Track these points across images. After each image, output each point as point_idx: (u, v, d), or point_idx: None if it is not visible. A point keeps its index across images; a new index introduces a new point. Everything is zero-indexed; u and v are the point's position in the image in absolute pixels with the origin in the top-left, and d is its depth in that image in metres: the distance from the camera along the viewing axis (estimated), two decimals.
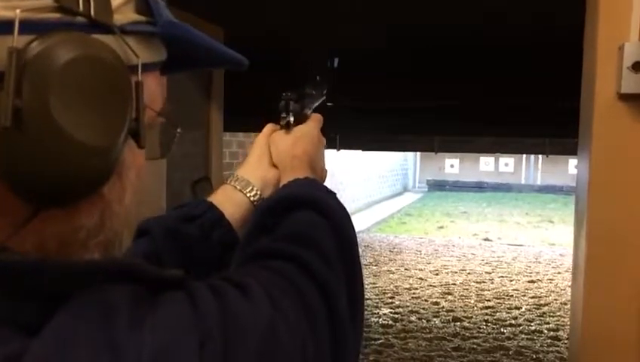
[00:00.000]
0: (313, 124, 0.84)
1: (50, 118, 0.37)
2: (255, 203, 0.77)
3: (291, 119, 0.82)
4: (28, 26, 0.37)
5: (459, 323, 5.08)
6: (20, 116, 0.36)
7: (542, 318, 5.25)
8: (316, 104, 0.91)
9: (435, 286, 6.35)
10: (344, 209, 0.66)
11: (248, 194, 0.76)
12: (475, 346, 4.54)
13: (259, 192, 0.78)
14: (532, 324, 5.08)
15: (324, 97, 0.93)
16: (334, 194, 0.69)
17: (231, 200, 0.75)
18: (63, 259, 0.42)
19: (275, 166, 0.80)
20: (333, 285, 0.54)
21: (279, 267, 0.53)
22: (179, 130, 0.54)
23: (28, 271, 0.38)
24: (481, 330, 4.91)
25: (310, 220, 0.61)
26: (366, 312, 5.17)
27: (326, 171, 0.83)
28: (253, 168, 0.79)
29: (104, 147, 0.40)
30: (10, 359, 0.34)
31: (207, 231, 0.73)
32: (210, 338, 0.40)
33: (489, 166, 18.64)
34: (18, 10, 0.36)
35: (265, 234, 0.62)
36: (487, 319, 5.22)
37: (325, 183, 0.80)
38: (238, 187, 0.76)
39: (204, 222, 0.73)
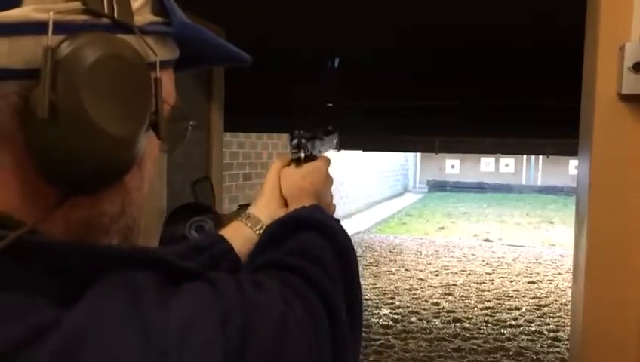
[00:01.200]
0: (322, 162, 0.88)
1: (81, 111, 0.40)
2: None
3: (302, 155, 0.87)
4: (59, 27, 0.40)
5: (459, 324, 5.08)
6: (54, 109, 0.39)
7: (542, 319, 5.25)
8: (326, 150, 0.96)
9: (435, 287, 6.35)
10: (345, 232, 0.71)
11: (257, 232, 0.79)
12: (475, 347, 4.54)
13: None
14: (532, 325, 5.07)
15: (335, 147, 0.99)
16: (338, 220, 0.74)
17: (240, 236, 0.79)
18: (89, 243, 0.45)
19: (285, 202, 0.84)
20: (334, 296, 0.57)
21: (284, 277, 0.56)
22: (192, 123, 0.58)
23: (56, 252, 0.41)
24: (482, 331, 4.91)
25: (314, 240, 0.66)
26: (366, 313, 5.17)
27: (334, 206, 0.87)
28: (263, 207, 0.83)
29: (129, 137, 0.43)
30: (48, 325, 0.37)
31: (216, 262, 0.76)
32: (230, 317, 0.43)
33: (489, 166, 18.63)
34: (51, 13, 0.40)
35: (271, 250, 0.66)
36: (488, 320, 5.21)
37: None
38: (249, 224, 0.80)
39: (214, 252, 0.76)
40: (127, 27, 0.44)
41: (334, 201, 0.90)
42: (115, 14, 0.43)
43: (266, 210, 0.81)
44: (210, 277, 0.47)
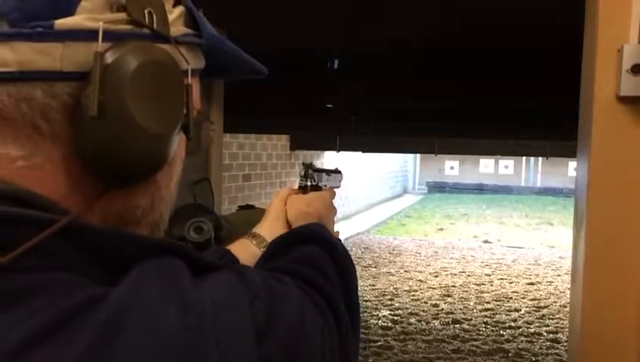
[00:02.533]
0: (327, 193, 0.96)
1: (126, 110, 0.45)
2: None
3: (308, 183, 0.96)
4: (107, 35, 0.45)
5: (458, 326, 5.08)
6: (102, 108, 0.44)
7: (541, 321, 5.25)
8: (331, 185, 1.03)
9: (434, 288, 6.35)
10: (345, 248, 0.75)
11: (262, 249, 0.84)
12: (474, 348, 4.54)
13: None
14: (531, 327, 5.08)
15: (339, 186, 1.06)
16: (339, 239, 0.80)
17: (246, 251, 0.84)
18: (128, 231, 0.49)
19: (289, 226, 0.89)
20: (338, 302, 0.61)
21: (288, 281, 0.59)
22: (213, 128, 0.63)
23: (100, 237, 0.45)
24: (481, 332, 4.91)
25: (315, 251, 0.71)
26: (365, 314, 5.17)
27: (337, 233, 0.91)
28: (268, 228, 0.88)
29: (165, 136, 0.48)
30: (95, 298, 0.41)
31: None
32: (257, 298, 0.47)
33: (489, 168, 18.65)
34: (101, 22, 0.45)
35: (276, 260, 0.70)
36: (487, 321, 5.22)
37: None
38: (254, 242, 0.86)
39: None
40: (164, 37, 0.49)
41: (336, 205, 0.95)
42: (155, 25, 0.48)
43: (270, 231, 0.87)
44: (236, 268, 0.51)
